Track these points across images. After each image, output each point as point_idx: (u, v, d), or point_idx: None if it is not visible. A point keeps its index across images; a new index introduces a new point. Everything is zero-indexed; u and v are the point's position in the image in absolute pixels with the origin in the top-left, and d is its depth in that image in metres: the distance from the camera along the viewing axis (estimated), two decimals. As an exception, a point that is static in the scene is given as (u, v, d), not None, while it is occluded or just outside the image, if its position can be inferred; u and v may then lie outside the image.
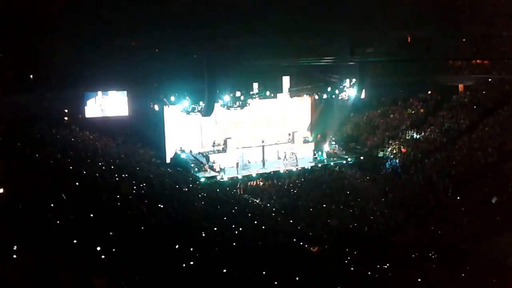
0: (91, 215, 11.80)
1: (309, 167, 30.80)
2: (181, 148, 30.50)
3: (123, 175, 19.99)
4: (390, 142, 32.91)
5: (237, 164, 29.40)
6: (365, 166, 31.37)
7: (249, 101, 31.03)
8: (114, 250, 9.68)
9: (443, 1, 38.16)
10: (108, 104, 29.32)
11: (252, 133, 32.14)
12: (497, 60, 35.49)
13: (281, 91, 32.51)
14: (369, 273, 15.79)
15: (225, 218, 18.44)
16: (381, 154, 32.27)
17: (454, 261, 17.93)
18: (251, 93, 31.20)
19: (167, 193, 19.95)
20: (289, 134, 33.14)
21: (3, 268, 7.55)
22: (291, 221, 21.84)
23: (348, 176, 29.54)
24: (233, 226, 17.18)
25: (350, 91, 33.06)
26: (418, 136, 32.65)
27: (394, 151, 31.87)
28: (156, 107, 30.23)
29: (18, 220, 9.76)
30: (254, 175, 29.10)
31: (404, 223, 22.55)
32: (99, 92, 28.97)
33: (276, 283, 11.77)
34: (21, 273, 7.42)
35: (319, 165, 31.23)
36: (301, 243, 17.81)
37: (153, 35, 31.69)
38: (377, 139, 34.05)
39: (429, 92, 36.95)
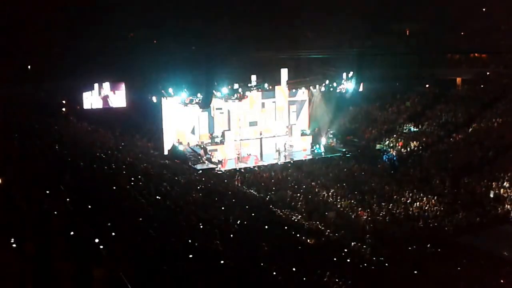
0: (89, 207, 11.82)
1: (307, 160, 30.85)
2: (178, 140, 30.50)
3: (121, 167, 19.99)
4: (388, 135, 32.94)
5: (238, 156, 29.49)
6: (363, 159, 31.44)
7: (247, 93, 31.00)
8: (112, 241, 9.71)
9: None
10: (110, 95, 29.28)
11: (249, 126, 32.09)
12: (495, 54, 35.50)
13: (279, 83, 32.47)
14: (366, 265, 15.89)
15: (222, 209, 18.48)
16: (378, 147, 32.33)
17: (450, 253, 18.04)
18: (249, 85, 31.15)
19: (165, 185, 19.97)
20: (287, 127, 33.12)
21: (2, 257, 7.58)
22: (288, 213, 21.90)
23: (346, 169, 29.59)
24: (231, 218, 17.22)
25: (348, 84, 33.04)
26: (415, 130, 32.70)
27: (392, 144, 31.92)
28: (154, 99, 30.18)
29: (16, 211, 9.78)
30: (251, 167, 29.15)
31: (401, 216, 22.62)
32: (105, 84, 28.91)
33: (273, 274, 11.84)
34: (21, 263, 7.45)
35: (317, 158, 31.27)
36: (298, 235, 17.88)
37: (151, 27, 31.62)
38: (374, 132, 34.09)
39: (427, 86, 36.96)
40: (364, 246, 18.41)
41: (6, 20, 26.20)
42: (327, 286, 12.70)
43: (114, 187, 15.85)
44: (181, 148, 30.18)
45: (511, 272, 16.18)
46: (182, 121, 30.69)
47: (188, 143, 30.91)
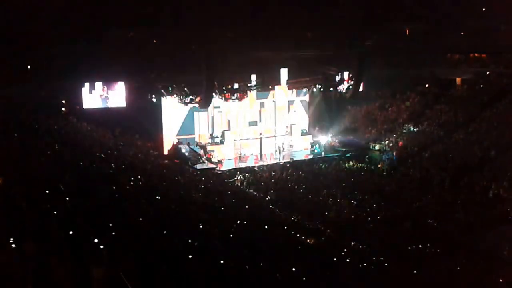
0: (89, 207, 11.81)
1: (307, 160, 30.86)
2: (178, 139, 30.50)
3: (121, 167, 20.00)
4: (388, 135, 32.94)
5: (239, 156, 29.53)
6: (362, 159, 31.45)
7: (247, 93, 31.02)
8: (112, 241, 9.71)
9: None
10: (109, 95, 29.23)
11: (249, 125, 32.10)
12: (495, 53, 35.51)
13: (279, 83, 32.48)
14: (365, 265, 15.87)
15: (222, 209, 18.48)
16: (378, 147, 32.33)
17: (450, 253, 18.03)
18: (249, 85, 31.17)
19: (165, 185, 19.98)
20: (287, 127, 33.14)
21: (2, 257, 7.57)
22: (288, 213, 21.89)
23: (345, 169, 29.60)
24: (231, 218, 17.22)
25: (348, 84, 33.04)
26: (415, 129, 32.70)
27: (391, 144, 31.91)
28: (154, 98, 30.17)
29: (16, 211, 9.77)
30: (251, 167, 29.15)
31: (401, 215, 22.62)
32: (100, 83, 28.83)
33: (273, 274, 11.82)
34: (21, 263, 7.45)
35: (317, 157, 31.28)
36: (298, 235, 17.87)
37: (151, 26, 31.56)
38: (374, 132, 34.08)
39: (427, 86, 36.95)
40: (364, 246, 18.41)
41: (5, 20, 26.16)
42: (327, 286, 12.69)
43: (114, 187, 15.85)
44: (181, 147, 30.20)
45: (511, 272, 16.17)
46: (181, 120, 30.71)
47: (188, 142, 30.95)
